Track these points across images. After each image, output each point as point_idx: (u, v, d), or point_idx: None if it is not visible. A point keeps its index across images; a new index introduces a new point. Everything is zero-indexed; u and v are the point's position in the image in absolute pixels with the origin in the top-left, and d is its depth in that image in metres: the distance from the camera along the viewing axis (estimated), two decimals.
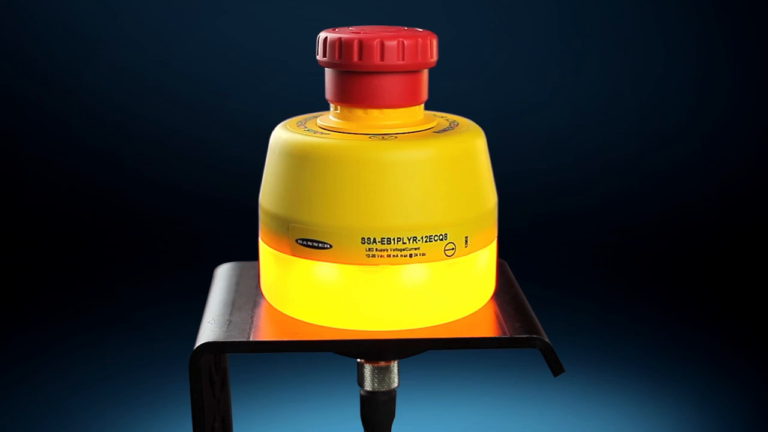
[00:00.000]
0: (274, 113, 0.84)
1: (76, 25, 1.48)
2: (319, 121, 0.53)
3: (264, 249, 0.53)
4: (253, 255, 0.58)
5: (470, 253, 0.51)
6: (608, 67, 1.50)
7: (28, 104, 1.46)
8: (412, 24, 0.59)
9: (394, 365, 0.54)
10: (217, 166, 1.44)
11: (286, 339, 0.50)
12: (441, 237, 0.49)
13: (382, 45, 0.50)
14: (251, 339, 0.50)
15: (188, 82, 1.48)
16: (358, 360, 0.55)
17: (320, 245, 0.50)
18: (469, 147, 0.51)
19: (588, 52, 1.50)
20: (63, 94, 1.47)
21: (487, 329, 0.51)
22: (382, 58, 0.50)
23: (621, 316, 1.16)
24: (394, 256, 0.49)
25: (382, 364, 0.54)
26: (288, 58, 1.47)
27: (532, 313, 0.53)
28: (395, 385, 0.55)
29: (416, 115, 0.53)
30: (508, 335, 0.50)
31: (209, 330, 0.51)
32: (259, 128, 0.85)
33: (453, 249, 0.50)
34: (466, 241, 0.50)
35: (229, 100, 1.48)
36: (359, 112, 0.52)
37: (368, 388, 0.54)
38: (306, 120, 0.55)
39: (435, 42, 0.52)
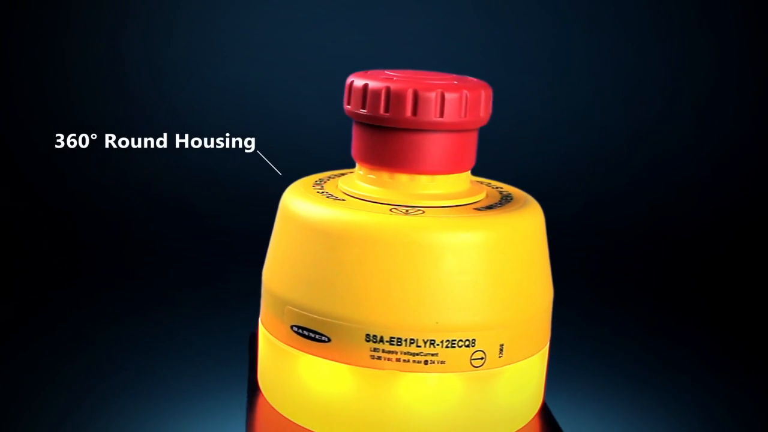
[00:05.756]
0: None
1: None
2: (341, 185, 0.43)
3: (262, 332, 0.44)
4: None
5: (505, 365, 0.41)
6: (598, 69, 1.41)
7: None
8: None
9: None
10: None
11: None
12: (467, 343, 0.39)
13: (443, 98, 0.39)
14: None
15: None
16: None
17: (318, 337, 0.40)
18: (525, 229, 0.41)
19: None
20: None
21: None
22: (441, 113, 0.40)
23: (604, 329, 1.09)
24: (404, 360, 0.39)
25: None
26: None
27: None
28: None
29: (463, 183, 0.43)
30: None
31: None
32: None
33: (482, 359, 0.40)
34: (501, 350, 0.40)
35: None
36: (404, 178, 0.42)
37: None
38: (323, 181, 0.45)
39: (490, 94, 0.42)
